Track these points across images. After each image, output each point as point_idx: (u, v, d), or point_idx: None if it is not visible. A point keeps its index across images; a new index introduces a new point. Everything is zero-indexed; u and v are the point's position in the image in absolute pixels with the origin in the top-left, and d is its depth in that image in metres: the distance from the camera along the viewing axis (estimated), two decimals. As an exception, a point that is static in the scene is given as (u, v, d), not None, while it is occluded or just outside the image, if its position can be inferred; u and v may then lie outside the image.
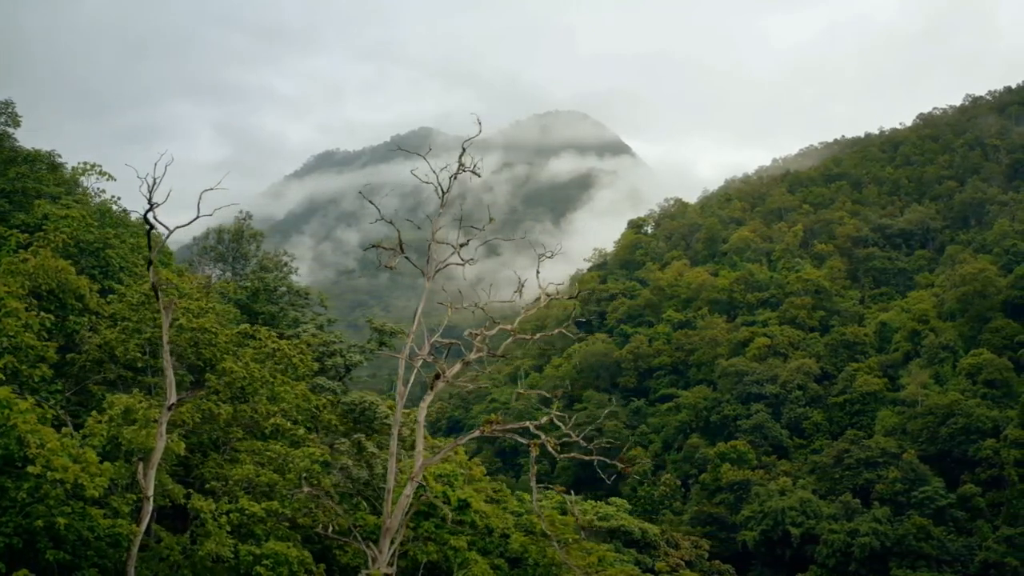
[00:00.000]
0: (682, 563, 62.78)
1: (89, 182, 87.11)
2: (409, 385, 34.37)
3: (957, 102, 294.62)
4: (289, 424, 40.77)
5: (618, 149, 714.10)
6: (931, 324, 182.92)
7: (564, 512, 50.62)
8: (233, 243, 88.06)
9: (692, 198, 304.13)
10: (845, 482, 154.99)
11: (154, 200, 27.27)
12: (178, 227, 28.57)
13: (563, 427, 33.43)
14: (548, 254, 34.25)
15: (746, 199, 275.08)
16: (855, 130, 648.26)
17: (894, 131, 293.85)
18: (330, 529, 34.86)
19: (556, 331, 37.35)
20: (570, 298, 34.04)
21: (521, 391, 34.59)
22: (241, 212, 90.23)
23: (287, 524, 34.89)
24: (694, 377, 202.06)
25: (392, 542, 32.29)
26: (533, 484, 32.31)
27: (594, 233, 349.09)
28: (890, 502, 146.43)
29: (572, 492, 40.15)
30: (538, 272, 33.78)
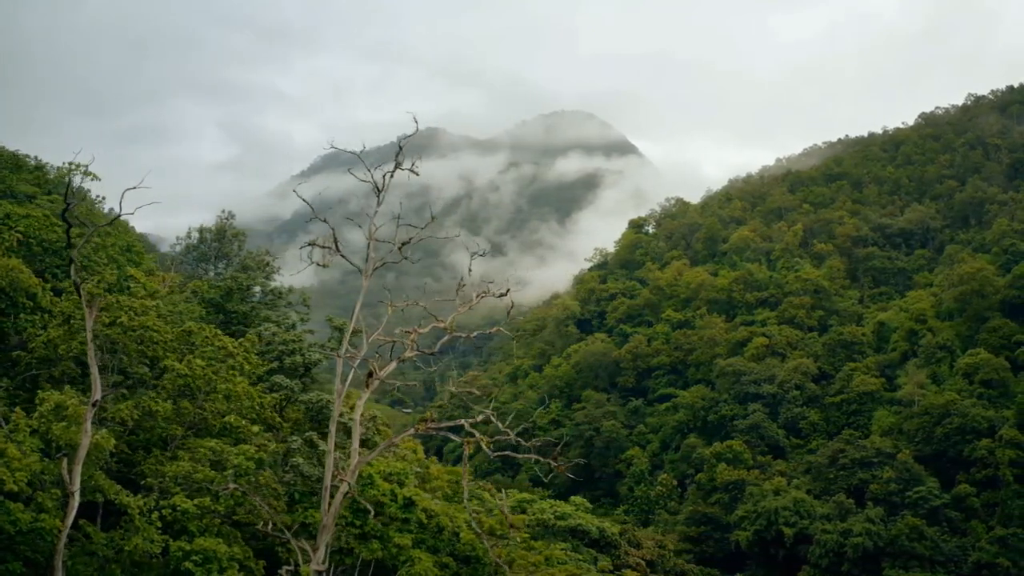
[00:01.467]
0: (642, 563, 62.47)
1: (75, 182, 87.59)
2: (347, 383, 34.50)
3: (959, 101, 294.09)
4: (243, 422, 40.98)
5: (625, 149, 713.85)
6: (929, 324, 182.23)
7: (523, 511, 50.60)
8: (215, 243, 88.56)
9: (697, 198, 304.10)
10: (840, 482, 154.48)
11: (70, 200, 27.36)
12: (101, 227, 28.69)
13: (500, 425, 33.51)
14: (481, 252, 34.42)
15: (747, 199, 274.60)
16: (858, 129, 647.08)
17: (897, 130, 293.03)
18: (270, 526, 34.95)
19: (494, 329, 37.43)
20: (501, 295, 34.07)
21: (453, 389, 34.58)
22: (223, 211, 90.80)
23: (224, 521, 35.03)
24: (692, 377, 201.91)
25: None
26: (465, 483, 32.40)
27: (599, 233, 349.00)
28: (884, 502, 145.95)
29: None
30: (469, 270, 33.87)
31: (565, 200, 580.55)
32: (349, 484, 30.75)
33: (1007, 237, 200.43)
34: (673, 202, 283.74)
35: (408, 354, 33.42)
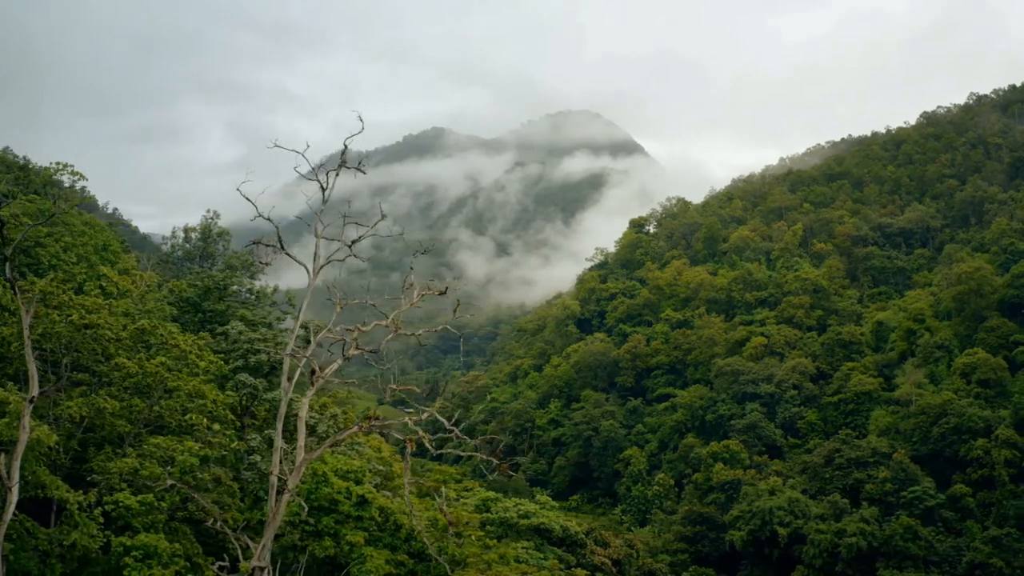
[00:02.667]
0: (607, 562, 62.48)
1: (65, 181, 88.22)
2: (294, 382, 34.83)
3: (962, 100, 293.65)
4: (203, 420, 41.23)
5: (631, 148, 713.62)
6: (927, 323, 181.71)
7: (488, 509, 50.73)
8: (200, 242, 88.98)
9: (702, 198, 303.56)
10: (835, 482, 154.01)
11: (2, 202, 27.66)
12: (35, 225, 28.96)
13: (446, 423, 33.74)
14: (422, 251, 34.75)
15: (747, 198, 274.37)
16: (862, 129, 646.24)
17: (899, 130, 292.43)
18: (218, 523, 35.19)
19: (440, 327, 37.68)
20: (440, 294, 34.36)
21: (394, 386, 34.79)
22: (208, 211, 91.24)
23: (173, 517, 35.26)
24: (691, 377, 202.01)
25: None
26: (407, 481, 32.53)
27: (605, 233, 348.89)
28: (879, 502, 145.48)
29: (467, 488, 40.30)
30: (411, 267, 34.18)
31: (571, 200, 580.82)
32: (287, 482, 31.04)
33: (1006, 236, 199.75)
34: (674, 201, 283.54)
35: (352, 352, 33.75)
